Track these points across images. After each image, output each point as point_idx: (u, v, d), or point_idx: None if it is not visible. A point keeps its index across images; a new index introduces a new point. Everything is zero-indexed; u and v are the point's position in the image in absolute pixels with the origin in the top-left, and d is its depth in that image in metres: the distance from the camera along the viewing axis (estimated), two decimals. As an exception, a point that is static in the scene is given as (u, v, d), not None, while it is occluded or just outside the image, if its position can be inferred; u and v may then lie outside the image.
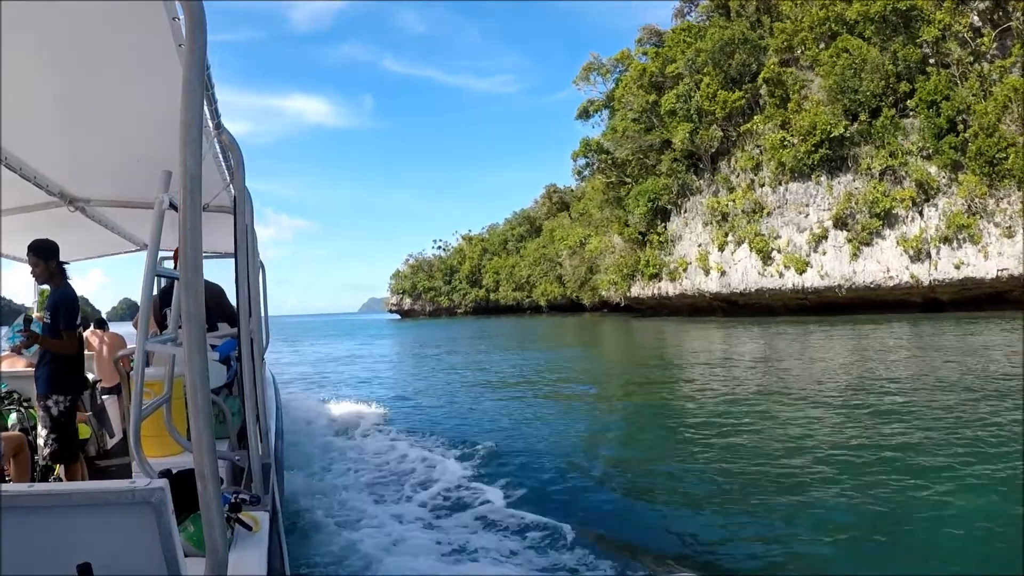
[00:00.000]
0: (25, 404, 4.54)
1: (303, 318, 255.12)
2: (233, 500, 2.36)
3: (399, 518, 5.56)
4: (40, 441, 3.99)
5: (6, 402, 4.52)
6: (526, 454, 7.90)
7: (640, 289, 54.06)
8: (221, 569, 1.62)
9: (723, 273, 46.77)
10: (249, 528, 2.39)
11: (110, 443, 4.99)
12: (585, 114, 63.51)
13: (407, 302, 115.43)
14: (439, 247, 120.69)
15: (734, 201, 46.14)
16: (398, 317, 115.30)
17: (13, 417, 4.41)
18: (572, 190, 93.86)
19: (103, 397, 5.13)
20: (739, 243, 45.79)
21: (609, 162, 56.09)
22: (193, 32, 1.55)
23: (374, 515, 5.60)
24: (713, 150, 47.95)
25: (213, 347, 3.33)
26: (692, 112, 48.00)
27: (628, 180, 54.84)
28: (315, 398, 12.82)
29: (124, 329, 7.19)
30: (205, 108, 2.65)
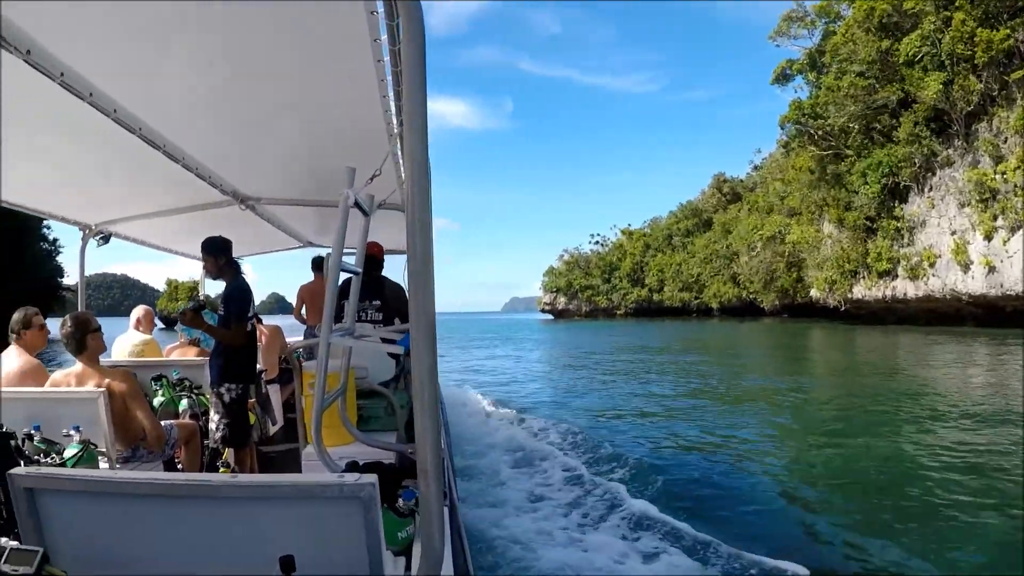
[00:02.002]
0: (196, 391, 5.41)
1: (445, 316, 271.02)
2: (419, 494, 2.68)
3: (565, 519, 6.52)
4: (212, 426, 4.79)
5: (178, 389, 5.37)
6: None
7: (864, 290, 49.72)
8: (437, 568, 1.76)
9: (992, 269, 40.60)
10: None
11: (272, 430, 5.89)
12: (783, 77, 60.02)
13: (561, 301, 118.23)
14: (596, 242, 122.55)
15: (1004, 174, 39.72)
16: (550, 317, 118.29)
17: (184, 403, 5.24)
18: (742, 181, 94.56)
19: (266, 386, 5.94)
20: (1013, 229, 39.32)
21: (821, 131, 51.69)
22: (410, 25, 1.67)
23: (540, 515, 6.65)
24: (970, 108, 42.17)
25: (395, 341, 3.79)
26: (943, 58, 42.57)
27: (848, 152, 50.21)
28: (471, 395, 14.60)
29: (282, 322, 8.20)
30: (392, 105, 3.10)
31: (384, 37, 2.47)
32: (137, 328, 6.34)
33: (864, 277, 49.65)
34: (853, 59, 47.78)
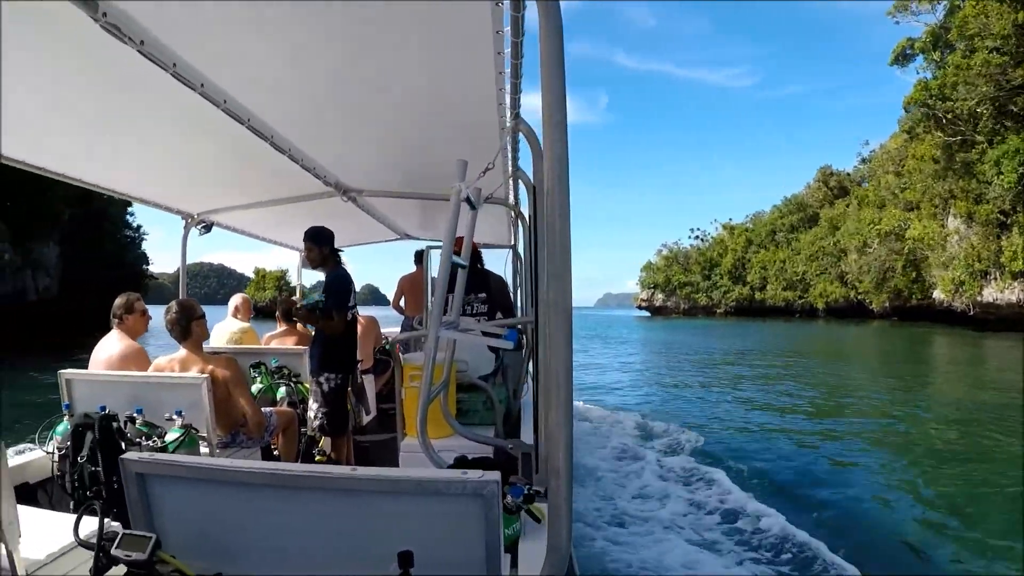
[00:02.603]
0: (294, 379, 5.59)
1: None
2: (527, 491, 2.64)
3: (671, 522, 6.72)
4: (310, 414, 4.95)
5: (276, 376, 5.56)
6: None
7: (996, 292, 46.60)
8: (561, 568, 1.79)
9: None
10: (538, 520, 2.68)
11: (365, 420, 6.08)
12: (903, 57, 56.67)
13: (659, 298, 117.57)
14: (696, 237, 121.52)
15: None
16: (646, 314, 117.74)
17: (282, 391, 5.43)
18: (849, 175, 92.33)
19: (361, 376, 6.03)
20: None
21: (949, 115, 48.37)
22: (548, 18, 1.71)
23: (645, 517, 6.86)
24: None
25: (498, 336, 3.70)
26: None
27: (978, 139, 46.86)
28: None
29: (376, 313, 8.44)
30: (507, 97, 3.15)
31: (507, 29, 2.50)
32: (236, 316, 6.64)
33: (996, 278, 46.43)
34: (985, 34, 44.49)
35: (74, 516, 3.00)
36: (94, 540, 1.82)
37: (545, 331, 3.73)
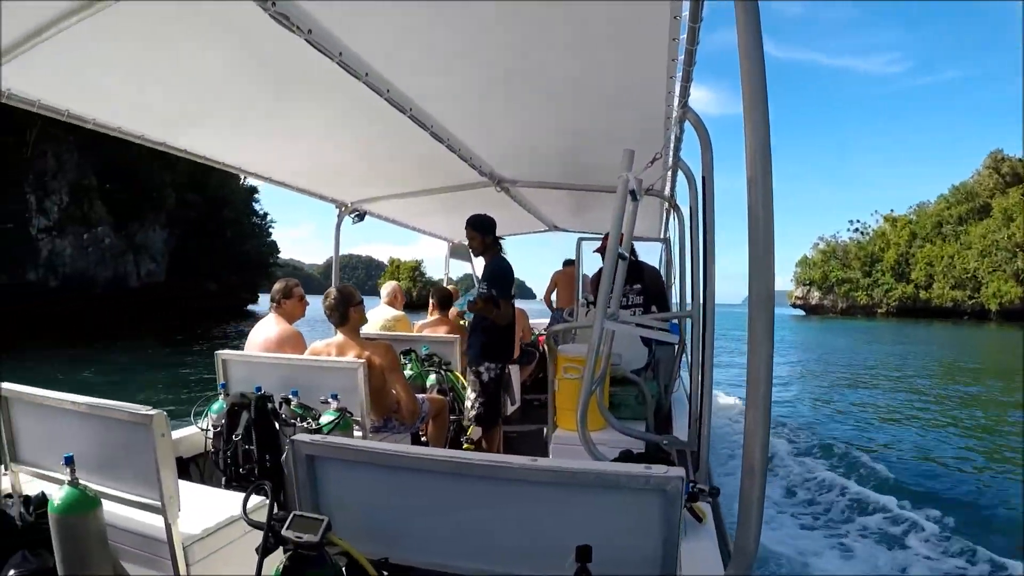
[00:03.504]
0: (445, 367, 5.75)
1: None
2: (692, 489, 2.60)
3: (816, 525, 7.03)
4: (467, 403, 5.13)
5: (426, 364, 5.72)
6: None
7: None
8: (748, 569, 1.79)
9: None
10: (699, 519, 2.68)
11: (510, 410, 6.21)
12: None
13: (815, 296, 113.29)
14: (856, 230, 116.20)
15: None
16: (801, 313, 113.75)
17: (432, 378, 5.58)
18: (1022, 160, 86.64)
19: (508, 366, 6.13)
20: None
21: None
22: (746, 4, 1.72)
23: (790, 519, 7.20)
24: None
25: (660, 329, 3.85)
26: None
27: None
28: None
29: (523, 306, 8.65)
30: (677, 86, 3.09)
31: (685, 15, 2.46)
32: (391, 304, 6.93)
33: None
34: None
35: (226, 492, 3.22)
36: (257, 518, 1.89)
37: (699, 325, 3.75)
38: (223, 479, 3.65)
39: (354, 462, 2.02)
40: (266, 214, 73.40)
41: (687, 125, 3.40)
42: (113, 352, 26.06)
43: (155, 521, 2.59)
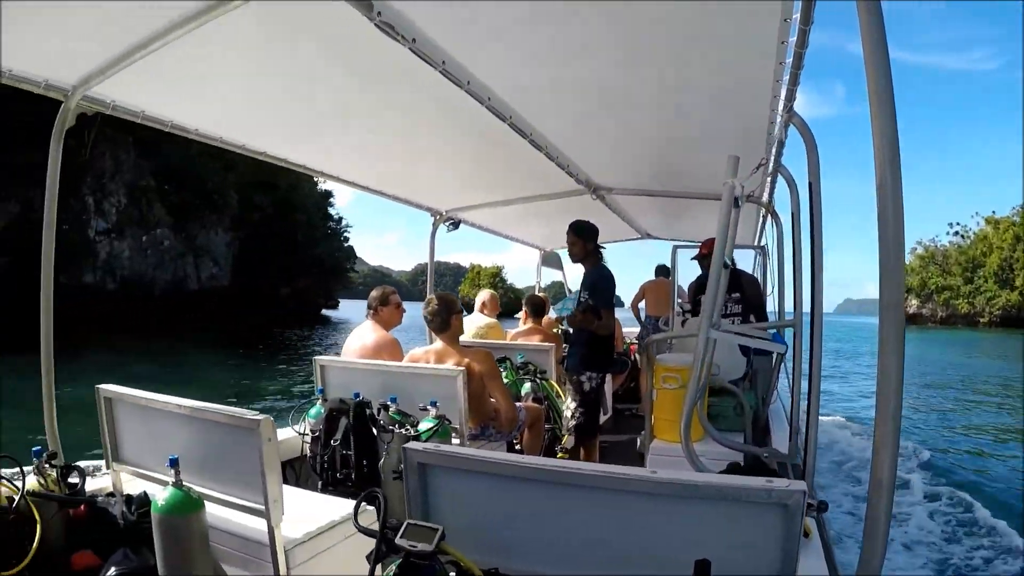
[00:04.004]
0: (540, 375, 5.90)
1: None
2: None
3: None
4: (567, 412, 5.30)
5: (521, 372, 5.91)
6: None
7: None
8: None
9: None
10: (806, 535, 2.67)
11: (602, 419, 6.27)
12: None
13: (913, 304, 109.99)
14: (956, 233, 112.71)
15: None
16: None
17: (527, 386, 5.75)
18: None
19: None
20: None
21: None
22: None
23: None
24: None
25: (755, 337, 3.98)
26: None
27: None
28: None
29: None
30: (783, 89, 3.17)
31: (796, 16, 2.52)
32: (482, 311, 7.19)
33: None
34: None
35: (325, 496, 3.39)
36: (364, 525, 1.99)
37: (801, 334, 3.73)
38: (319, 483, 3.85)
39: (466, 471, 2.09)
40: (341, 218, 74.14)
41: (790, 129, 3.49)
42: (178, 355, 26.93)
43: (256, 524, 2.74)
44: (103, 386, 3.34)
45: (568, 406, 5.30)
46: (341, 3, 2.50)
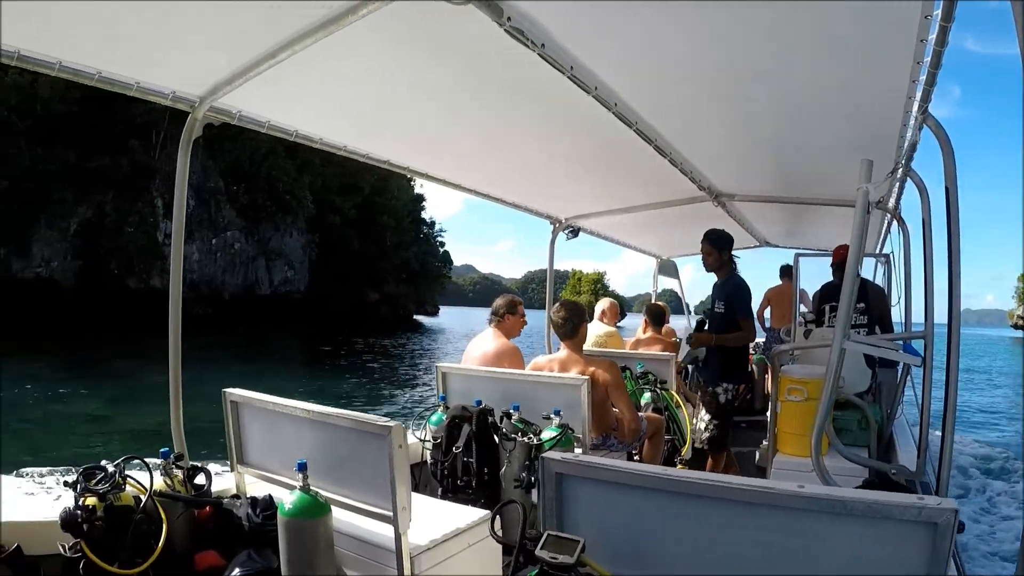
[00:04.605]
0: (661, 385, 6.06)
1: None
2: None
3: None
4: (700, 424, 5.41)
5: (641, 382, 6.07)
6: None
7: None
8: None
9: None
10: None
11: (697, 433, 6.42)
12: None
13: None
14: None
15: None
16: (1020, 335, 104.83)
17: (647, 396, 5.91)
18: None
19: None
20: None
21: None
22: None
23: None
24: None
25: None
26: None
27: None
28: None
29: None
30: (918, 91, 3.14)
31: (938, 12, 2.49)
32: (602, 319, 7.41)
33: None
34: None
35: (447, 503, 3.55)
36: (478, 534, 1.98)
37: (932, 347, 3.70)
38: (439, 489, 4.06)
39: (605, 482, 2.13)
40: (433, 222, 74.96)
41: (924, 132, 3.52)
42: (253, 360, 27.73)
43: (381, 529, 2.89)
44: (229, 390, 3.57)
45: (702, 418, 5.38)
46: (470, 8, 2.57)
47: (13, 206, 40.61)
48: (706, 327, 5.42)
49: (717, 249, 5.40)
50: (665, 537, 2.05)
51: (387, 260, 64.41)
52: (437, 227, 75.76)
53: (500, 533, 2.11)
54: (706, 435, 5.31)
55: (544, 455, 2.21)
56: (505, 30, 2.71)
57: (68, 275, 43.67)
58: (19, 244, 41.64)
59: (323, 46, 2.95)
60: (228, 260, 50.25)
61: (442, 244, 76.33)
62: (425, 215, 72.92)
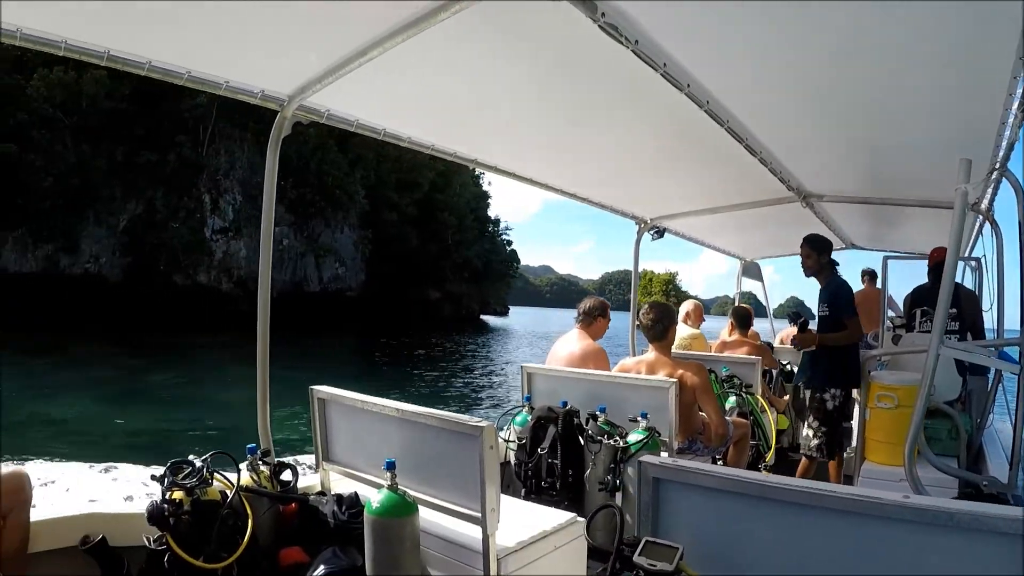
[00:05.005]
0: (746, 390, 6.13)
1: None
2: None
3: None
4: (807, 432, 5.43)
5: (726, 386, 6.13)
6: None
7: None
8: None
9: None
10: None
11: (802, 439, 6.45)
12: None
13: None
14: None
15: None
16: None
17: (732, 400, 5.96)
18: None
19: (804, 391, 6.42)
20: None
21: None
22: None
23: None
24: None
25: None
26: None
27: None
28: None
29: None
30: (1020, 88, 3.13)
31: None
32: (686, 322, 7.49)
33: None
34: None
35: (533, 504, 3.59)
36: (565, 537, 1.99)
37: None
38: (522, 490, 4.15)
39: (703, 487, 2.13)
40: (498, 219, 74.45)
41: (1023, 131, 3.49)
42: (315, 358, 28.07)
43: (467, 529, 2.93)
44: (317, 387, 3.68)
45: (810, 424, 5.48)
46: (564, 4, 2.60)
47: (58, 203, 41.74)
48: (808, 327, 5.46)
49: (816, 252, 5.45)
50: (764, 546, 2.05)
51: (448, 258, 64.31)
52: (503, 225, 75.35)
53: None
54: (814, 443, 5.32)
55: (641, 459, 2.23)
56: (599, 26, 2.74)
57: (116, 271, 44.70)
58: (67, 240, 42.76)
59: (412, 44, 3.03)
60: (276, 256, 49.19)
61: (509, 243, 75.89)
62: (491, 213, 72.50)
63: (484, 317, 70.76)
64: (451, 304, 66.17)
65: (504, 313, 71.32)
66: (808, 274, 5.58)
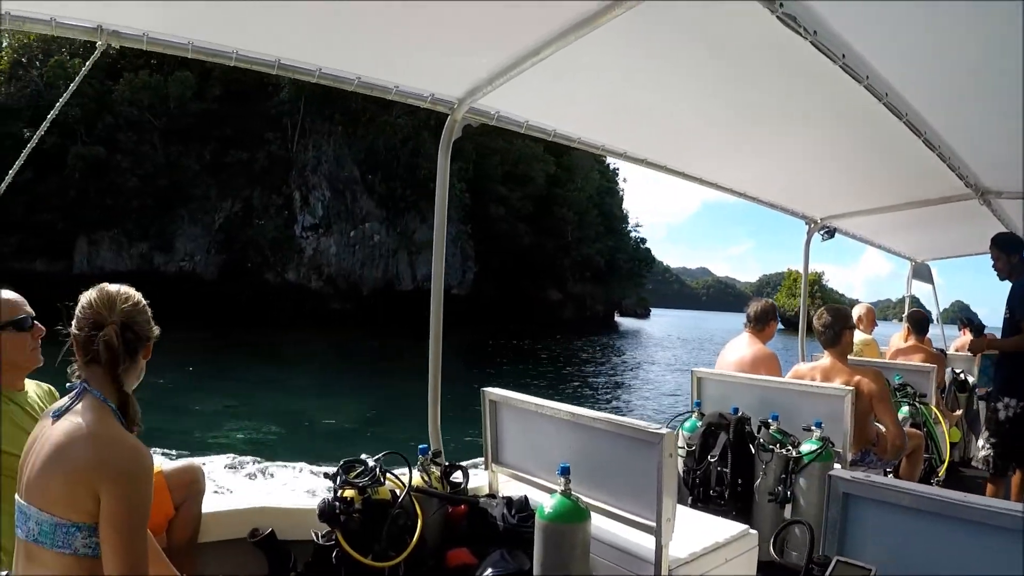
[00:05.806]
0: (920, 399, 6.04)
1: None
2: None
3: None
4: (979, 442, 5.44)
5: (899, 394, 6.04)
6: None
7: None
8: None
9: None
10: None
11: (974, 452, 6.42)
12: None
13: None
14: None
15: None
16: None
17: (905, 410, 5.89)
18: None
19: (979, 400, 6.52)
20: None
21: None
22: None
23: None
24: None
25: None
26: None
27: None
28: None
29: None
30: None
31: None
32: (857, 326, 7.31)
33: None
34: None
35: (703, 514, 3.64)
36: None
37: None
38: (689, 498, 4.23)
39: (898, 506, 2.12)
40: (626, 215, 73.14)
41: None
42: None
43: (637, 538, 2.99)
44: (488, 389, 3.82)
45: (982, 434, 5.47)
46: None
47: (147, 202, 43.38)
48: (984, 332, 5.48)
49: (1006, 253, 5.39)
50: (962, 572, 2.00)
51: (567, 256, 63.64)
52: (633, 222, 74.10)
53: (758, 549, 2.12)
54: (982, 454, 5.36)
55: (832, 472, 2.26)
56: (777, 16, 2.78)
57: (211, 269, 46.02)
58: (160, 239, 44.41)
59: (580, 45, 3.14)
60: (367, 253, 50.96)
61: (642, 240, 74.36)
62: (632, 210, 71.17)
63: (619, 319, 68.78)
64: (574, 305, 65.36)
65: (644, 315, 69.09)
66: (1001, 277, 5.49)
